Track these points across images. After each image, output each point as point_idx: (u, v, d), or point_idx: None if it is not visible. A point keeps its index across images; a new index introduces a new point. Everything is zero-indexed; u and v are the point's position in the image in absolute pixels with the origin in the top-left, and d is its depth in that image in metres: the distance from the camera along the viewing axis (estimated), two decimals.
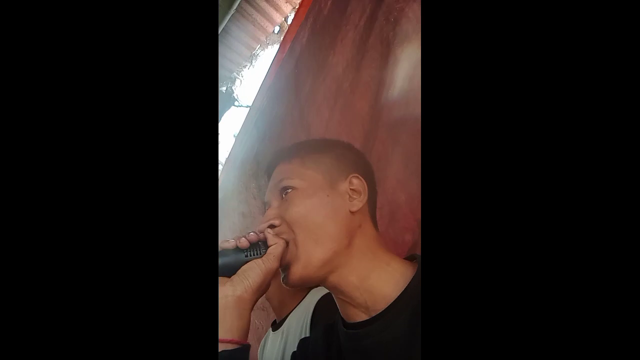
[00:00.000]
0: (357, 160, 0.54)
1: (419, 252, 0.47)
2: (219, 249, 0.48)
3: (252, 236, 0.48)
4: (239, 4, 1.69)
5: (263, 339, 0.96)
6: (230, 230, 1.69)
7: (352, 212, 0.49)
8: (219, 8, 1.74)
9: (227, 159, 2.05)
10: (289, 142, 1.27)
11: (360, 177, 0.52)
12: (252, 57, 2.15)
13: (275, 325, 0.91)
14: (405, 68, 0.83)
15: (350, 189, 0.50)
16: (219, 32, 1.80)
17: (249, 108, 1.80)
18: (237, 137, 1.85)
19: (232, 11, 1.73)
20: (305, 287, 0.51)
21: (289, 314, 0.86)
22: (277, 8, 1.85)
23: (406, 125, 0.77)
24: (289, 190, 0.50)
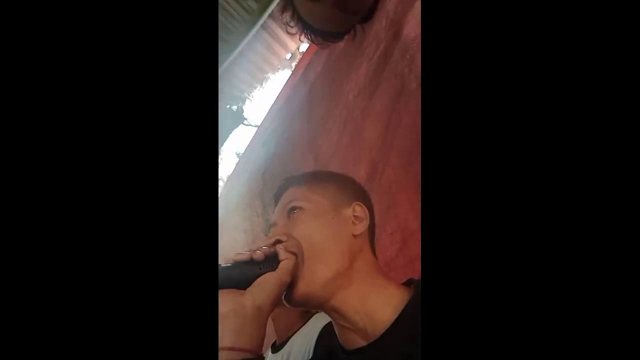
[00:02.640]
0: (359, 191, 0.59)
1: None
2: (233, 262, 0.49)
3: (264, 250, 0.49)
4: (256, 30, 1.78)
5: None
6: (231, 247, 1.68)
7: (354, 236, 0.52)
8: (236, 31, 1.83)
9: (230, 176, 2.07)
10: (298, 163, 1.30)
11: (363, 205, 0.55)
12: (263, 80, 2.23)
13: (275, 348, 0.89)
14: (417, 99, 0.88)
15: (354, 215, 0.54)
16: (235, 55, 1.88)
17: (257, 127, 1.84)
18: (242, 155, 1.88)
19: (249, 37, 1.82)
20: (307, 308, 0.52)
21: (291, 336, 0.85)
22: (291, 36, 1.94)
23: (419, 145, 0.80)
24: (296, 210, 0.53)
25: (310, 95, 1.39)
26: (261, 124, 1.77)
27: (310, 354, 0.74)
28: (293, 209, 0.54)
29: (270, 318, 0.64)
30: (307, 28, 0.68)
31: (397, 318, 0.46)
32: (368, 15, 0.68)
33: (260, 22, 1.78)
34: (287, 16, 0.67)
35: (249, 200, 1.59)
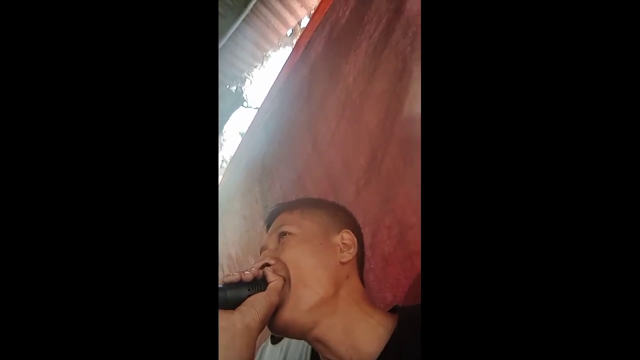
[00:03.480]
0: (348, 219, 0.61)
1: None
2: (222, 283, 0.49)
3: (253, 271, 0.50)
4: (254, 4, 1.69)
5: (260, 349, 0.96)
6: (232, 232, 1.68)
7: (342, 263, 0.53)
8: (233, 8, 1.73)
9: (232, 158, 2.05)
10: (296, 149, 1.26)
11: (351, 233, 0.57)
12: (263, 58, 2.14)
13: (275, 339, 0.90)
14: (418, 83, 0.82)
15: (342, 242, 0.55)
16: (232, 32, 1.80)
17: (257, 110, 1.79)
18: (243, 138, 1.85)
19: (247, 11, 1.72)
20: (289, 336, 0.52)
21: None
22: (291, 11, 1.84)
23: (419, 132, 0.75)
24: (287, 235, 0.55)
25: (310, 77, 1.32)
26: (261, 105, 1.71)
27: (308, 355, 0.74)
28: (283, 233, 0.55)
29: None
30: None
31: (383, 350, 0.45)
32: None
33: None
34: None
35: (249, 186, 1.57)
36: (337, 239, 0.56)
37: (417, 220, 0.73)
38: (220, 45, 1.85)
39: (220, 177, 1.98)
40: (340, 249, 0.55)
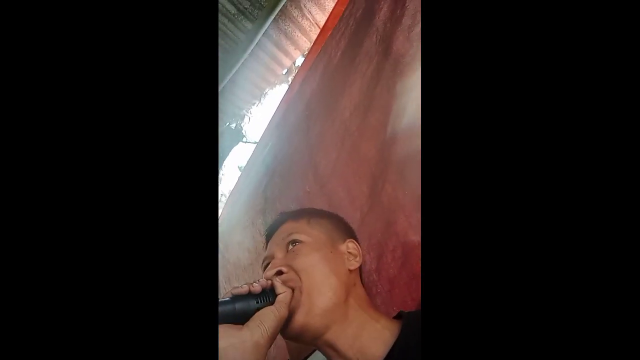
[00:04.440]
0: (349, 230, 0.62)
1: None
2: (231, 295, 0.49)
3: (262, 282, 0.51)
4: (252, 49, 1.82)
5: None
6: (234, 266, 1.68)
7: (350, 271, 0.55)
8: (233, 51, 1.86)
9: (232, 192, 2.08)
10: (298, 180, 1.31)
11: (355, 242, 0.59)
12: (261, 96, 2.26)
13: None
14: (409, 114, 0.89)
15: (348, 251, 0.57)
16: (233, 74, 1.91)
17: (255, 144, 1.86)
18: (243, 172, 1.89)
19: (246, 55, 1.85)
20: (301, 342, 0.51)
21: (308, 357, 0.86)
22: (286, 53, 1.97)
23: (414, 160, 0.80)
24: (297, 243, 0.56)
25: (307, 111, 1.40)
26: (260, 140, 1.78)
27: None
28: (294, 241, 0.56)
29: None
30: None
31: (388, 352, 0.47)
32: None
33: (256, 40, 1.82)
34: None
35: (252, 218, 1.60)
36: (343, 247, 0.57)
37: (419, 240, 0.77)
38: (220, 88, 1.96)
39: (219, 211, 2.00)
40: (347, 257, 0.57)
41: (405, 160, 0.86)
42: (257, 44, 1.82)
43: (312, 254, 0.54)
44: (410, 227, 0.79)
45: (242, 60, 1.85)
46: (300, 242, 0.56)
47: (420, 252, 0.76)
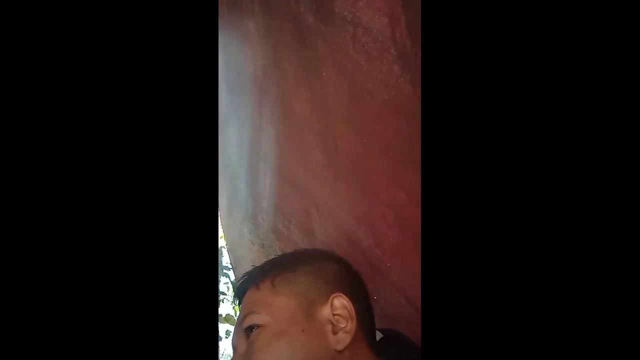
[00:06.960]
0: (339, 273, 0.43)
1: None
2: None
3: None
4: None
5: None
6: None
7: (338, 352, 0.38)
8: None
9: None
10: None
11: (345, 296, 0.40)
12: None
13: None
14: None
15: (334, 314, 0.40)
16: None
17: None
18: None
19: None
20: None
21: None
22: None
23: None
24: (255, 328, 0.40)
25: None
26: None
27: None
28: (250, 327, 0.40)
29: None
30: None
31: None
32: None
33: None
34: None
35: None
36: (326, 311, 0.40)
37: (404, 197, 0.64)
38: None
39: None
40: (334, 326, 0.40)
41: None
42: None
43: (272, 345, 0.38)
44: (391, 183, 0.65)
45: None
46: (257, 326, 0.40)
47: (413, 211, 0.61)
